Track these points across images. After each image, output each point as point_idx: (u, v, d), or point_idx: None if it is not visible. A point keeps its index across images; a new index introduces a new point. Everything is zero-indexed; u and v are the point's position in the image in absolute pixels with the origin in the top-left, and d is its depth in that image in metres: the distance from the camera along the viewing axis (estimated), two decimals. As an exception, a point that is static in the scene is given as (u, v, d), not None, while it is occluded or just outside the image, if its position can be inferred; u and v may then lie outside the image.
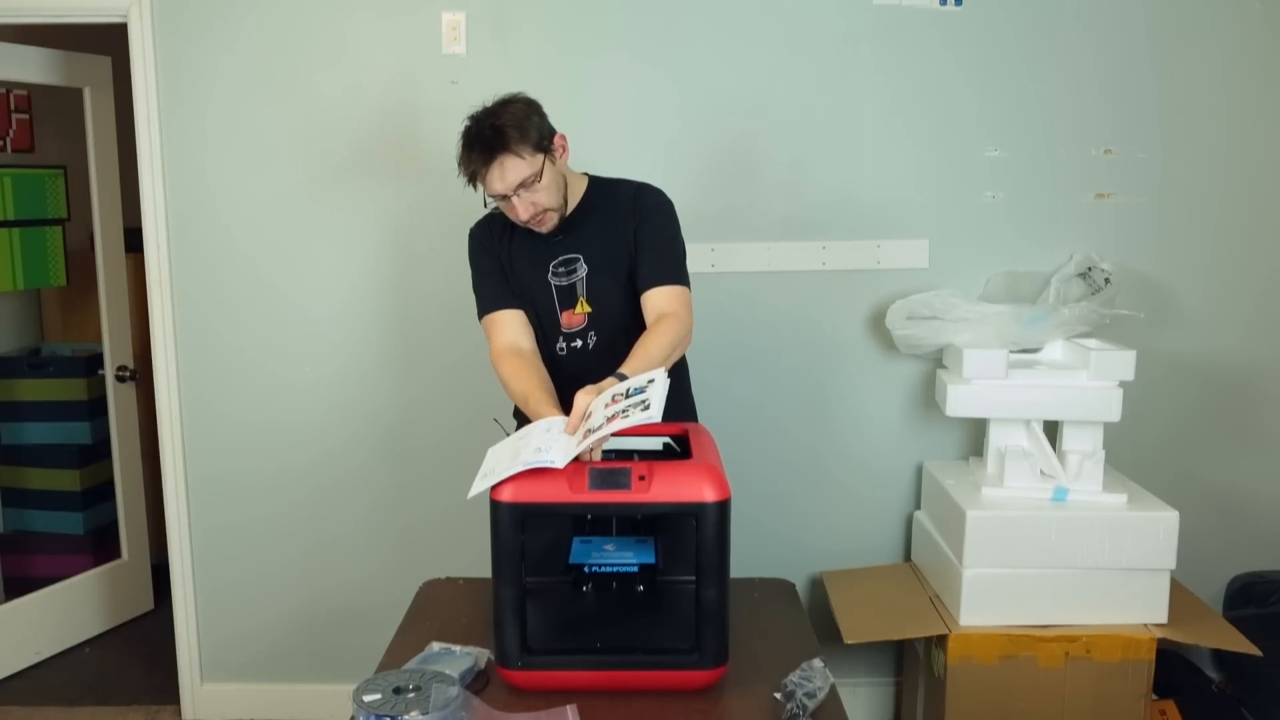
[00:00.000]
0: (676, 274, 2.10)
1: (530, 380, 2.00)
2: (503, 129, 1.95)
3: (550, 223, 2.07)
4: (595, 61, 2.77)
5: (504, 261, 2.16)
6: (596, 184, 2.18)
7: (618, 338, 2.10)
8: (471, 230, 2.21)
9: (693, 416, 2.27)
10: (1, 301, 3.79)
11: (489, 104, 2.01)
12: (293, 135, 2.83)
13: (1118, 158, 2.80)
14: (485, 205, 2.10)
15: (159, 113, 2.82)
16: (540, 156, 1.99)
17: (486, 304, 2.16)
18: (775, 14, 2.75)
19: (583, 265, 2.13)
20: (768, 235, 2.84)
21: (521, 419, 2.19)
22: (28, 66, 3.26)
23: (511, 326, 2.13)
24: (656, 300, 2.06)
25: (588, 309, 2.14)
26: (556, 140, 2.04)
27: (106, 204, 3.51)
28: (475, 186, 2.01)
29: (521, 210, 2.01)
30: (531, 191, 1.99)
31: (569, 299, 2.14)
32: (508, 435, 2.24)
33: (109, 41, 3.20)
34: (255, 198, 2.86)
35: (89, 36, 3.34)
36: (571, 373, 2.08)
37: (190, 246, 2.89)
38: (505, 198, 2.00)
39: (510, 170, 1.96)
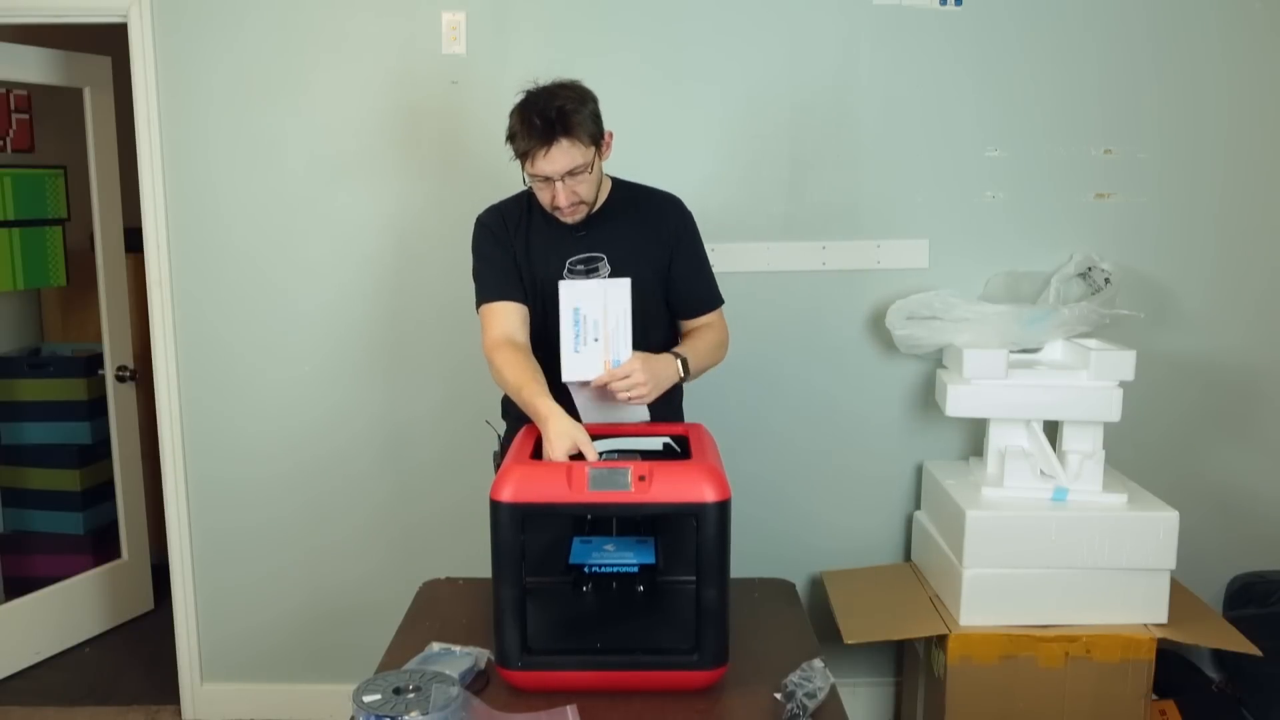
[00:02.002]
0: (717, 297, 2.27)
1: (526, 371, 1.99)
2: (568, 113, 1.93)
3: (579, 215, 2.06)
4: (595, 61, 2.76)
5: (516, 252, 2.13)
6: (621, 186, 2.18)
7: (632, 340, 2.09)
8: (480, 217, 2.18)
9: (679, 415, 2.28)
10: (1, 301, 3.79)
11: (543, 83, 1.98)
12: (292, 135, 2.82)
13: (1117, 158, 2.80)
14: (524, 183, 2.06)
15: (159, 113, 2.82)
16: (593, 149, 1.98)
17: (487, 293, 2.13)
18: (776, 14, 2.75)
19: (606, 266, 2.12)
20: (768, 235, 2.84)
21: (511, 412, 2.18)
22: (28, 66, 3.26)
23: (510, 319, 2.10)
24: (703, 326, 2.25)
25: None
26: (607, 136, 2.04)
27: (106, 204, 3.51)
28: (523, 164, 1.98)
29: (562, 196, 1.99)
30: (576, 180, 1.98)
31: None
32: (499, 436, 2.25)
33: (109, 41, 3.20)
34: (255, 198, 2.86)
35: (89, 36, 3.34)
36: None
37: (190, 246, 2.89)
38: (548, 180, 1.98)
39: (566, 155, 1.94)
